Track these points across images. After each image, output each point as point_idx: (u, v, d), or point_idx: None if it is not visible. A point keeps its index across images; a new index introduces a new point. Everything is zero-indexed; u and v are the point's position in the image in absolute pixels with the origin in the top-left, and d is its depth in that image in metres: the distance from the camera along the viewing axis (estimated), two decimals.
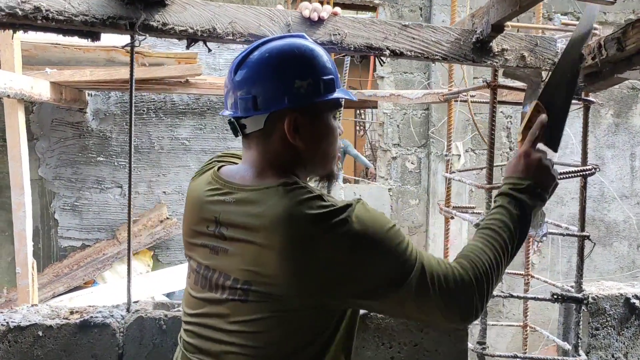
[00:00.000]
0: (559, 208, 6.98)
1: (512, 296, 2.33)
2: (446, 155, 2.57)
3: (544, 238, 1.85)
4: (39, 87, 3.97)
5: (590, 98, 2.15)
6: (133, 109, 2.05)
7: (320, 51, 1.31)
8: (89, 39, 1.80)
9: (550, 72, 1.65)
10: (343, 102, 1.41)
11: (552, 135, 1.43)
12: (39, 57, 4.80)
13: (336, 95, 1.29)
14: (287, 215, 1.15)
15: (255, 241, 1.18)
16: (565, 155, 6.97)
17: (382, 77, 6.55)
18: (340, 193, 6.62)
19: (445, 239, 2.83)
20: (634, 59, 1.80)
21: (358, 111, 11.57)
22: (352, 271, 1.14)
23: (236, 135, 1.32)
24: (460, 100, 2.66)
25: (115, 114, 5.59)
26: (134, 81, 2.00)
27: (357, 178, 7.81)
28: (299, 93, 1.24)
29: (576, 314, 2.23)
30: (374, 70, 6.92)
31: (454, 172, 2.71)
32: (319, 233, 1.14)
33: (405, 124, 6.61)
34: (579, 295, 2.18)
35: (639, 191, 7.33)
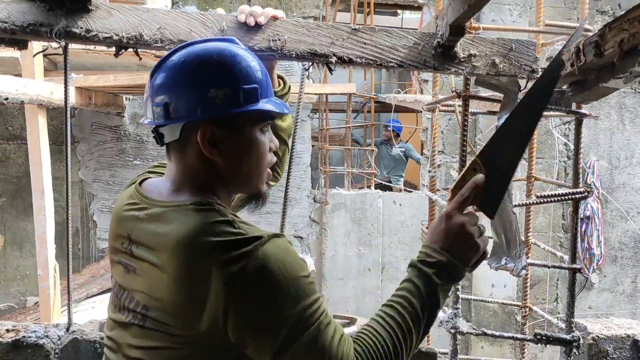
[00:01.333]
0: (623, 223, 6.42)
1: (485, 334, 2.06)
2: (430, 171, 2.32)
3: (523, 272, 1.60)
4: (60, 93, 4.01)
5: (583, 111, 1.86)
6: (69, 118, 1.96)
7: (246, 57, 1.19)
8: (16, 48, 1.73)
9: (497, 128, 1.37)
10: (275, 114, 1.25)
11: (490, 198, 1.20)
12: (74, 62, 4.89)
13: (259, 106, 1.16)
14: (188, 238, 1.04)
15: (156, 263, 1.09)
16: (632, 165, 6.41)
17: (427, 81, 6.27)
18: (379, 201, 6.40)
19: None
20: (617, 65, 1.51)
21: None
22: (240, 312, 1.02)
23: (159, 145, 1.21)
24: (446, 111, 2.40)
25: None
26: (68, 91, 1.91)
27: (397, 186, 7.54)
28: (214, 103, 1.12)
29: (566, 357, 1.93)
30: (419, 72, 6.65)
31: (439, 190, 2.46)
32: (215, 263, 1.01)
33: (450, 130, 6.30)
34: (568, 337, 1.89)
35: None
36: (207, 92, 1.12)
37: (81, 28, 1.64)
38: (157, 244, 1.10)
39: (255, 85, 1.16)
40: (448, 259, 1.16)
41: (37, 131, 3.96)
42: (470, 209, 1.21)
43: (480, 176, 1.19)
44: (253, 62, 1.19)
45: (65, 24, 1.63)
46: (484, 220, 1.23)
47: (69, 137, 1.84)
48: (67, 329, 1.94)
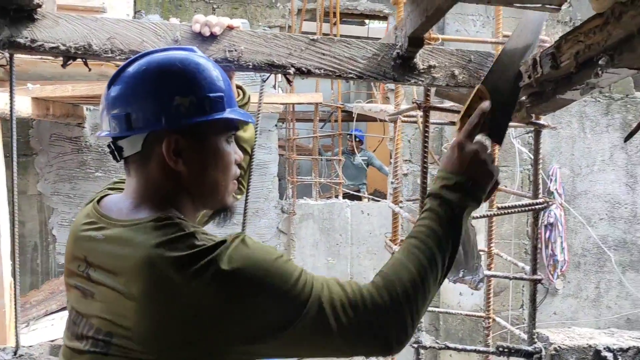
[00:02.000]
0: (586, 230, 6.52)
1: (448, 347, 2.04)
2: (392, 183, 2.30)
3: (481, 284, 1.58)
4: (18, 104, 3.88)
5: (542, 122, 1.86)
6: (15, 131, 1.87)
7: (209, 65, 1.16)
8: None
9: (496, 58, 1.43)
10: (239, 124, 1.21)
11: (496, 125, 1.22)
12: (31, 72, 4.76)
13: (226, 115, 1.12)
14: (149, 258, 1.00)
15: (116, 287, 1.03)
16: (593, 173, 6.53)
17: (393, 90, 6.28)
18: (347, 211, 6.38)
19: None
20: (573, 77, 1.51)
21: None
22: (225, 318, 0.98)
23: (116, 160, 1.16)
24: (408, 122, 2.39)
25: None
26: (14, 102, 1.83)
27: (366, 195, 7.56)
28: (179, 112, 1.08)
29: None
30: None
31: (401, 202, 2.44)
32: (183, 279, 0.97)
33: (417, 139, 6.32)
34: (529, 349, 1.88)
35: None
36: (171, 101, 1.08)
37: (26, 38, 1.57)
38: (116, 267, 1.04)
39: (221, 94, 1.13)
40: (466, 180, 1.15)
41: None
42: (478, 137, 1.20)
43: (486, 103, 1.19)
44: (216, 72, 1.16)
45: (9, 34, 1.56)
46: None
47: (14, 151, 1.77)
48: (15, 353, 1.85)
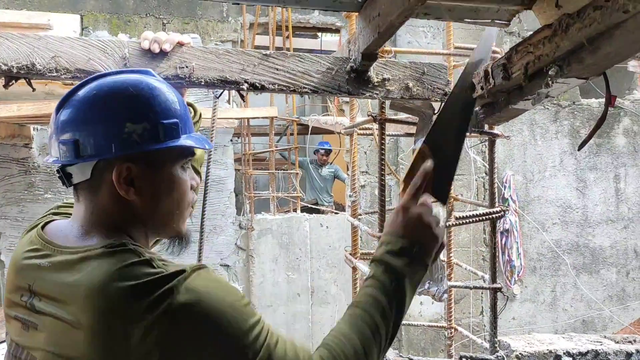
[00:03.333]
0: (540, 235, 6.67)
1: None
2: (350, 196, 2.29)
3: (445, 296, 1.57)
4: None
5: (495, 131, 1.89)
6: None
7: (165, 89, 1.11)
8: None
9: (439, 110, 1.41)
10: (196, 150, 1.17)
11: (439, 185, 1.20)
12: None
13: (181, 142, 1.08)
14: (101, 286, 0.94)
15: (64, 317, 0.97)
16: (545, 178, 6.70)
17: (347, 102, 6.32)
18: (305, 225, 6.35)
19: (353, 289, 2.54)
20: (524, 87, 1.53)
21: None
22: (174, 353, 0.93)
23: (65, 186, 1.10)
24: (364, 134, 2.40)
25: None
26: None
27: (326, 209, 7.56)
28: (131, 139, 1.03)
29: None
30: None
31: (360, 215, 2.44)
32: (136, 309, 0.92)
33: (373, 151, 6.36)
34: (492, 358, 1.89)
35: (625, 214, 7.02)
36: (122, 127, 1.03)
37: None
38: (65, 295, 0.99)
39: (176, 120, 1.08)
40: (412, 244, 1.13)
41: None
42: (424, 199, 1.18)
43: (428, 164, 1.18)
44: (172, 96, 1.11)
45: None
46: None
47: None
48: None
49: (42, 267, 1.05)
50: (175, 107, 1.10)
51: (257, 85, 1.66)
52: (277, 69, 1.68)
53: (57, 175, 1.10)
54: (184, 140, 1.09)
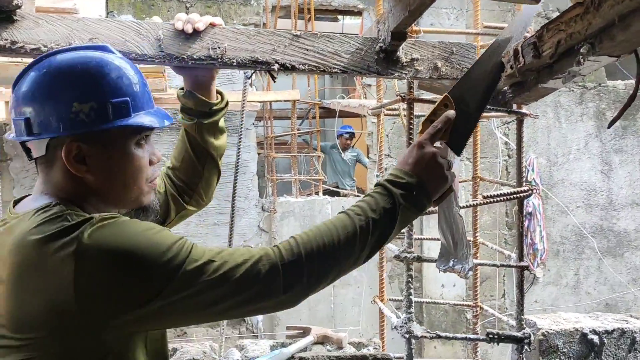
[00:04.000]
0: (563, 218, 6.64)
1: (439, 337, 2.06)
2: (377, 176, 2.32)
3: (470, 273, 1.60)
4: None
5: (524, 110, 1.89)
6: None
7: (116, 67, 1.11)
8: None
9: (469, 68, 1.44)
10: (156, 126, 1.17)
11: (458, 136, 1.24)
12: (1, 76, 4.67)
13: (131, 121, 1.08)
14: (19, 241, 0.99)
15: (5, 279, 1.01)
16: (569, 161, 6.64)
17: (370, 85, 6.32)
18: (327, 207, 6.39)
19: (379, 268, 2.57)
20: (555, 66, 1.53)
21: None
22: (87, 294, 0.95)
23: (28, 160, 1.14)
24: (391, 115, 2.42)
25: None
26: None
27: (347, 191, 7.58)
28: (78, 118, 1.05)
29: (518, 354, 1.95)
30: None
31: None
32: (43, 258, 0.96)
33: (395, 133, 6.36)
34: (519, 334, 1.91)
35: None
36: (69, 107, 1.04)
37: (6, 40, 1.55)
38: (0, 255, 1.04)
39: (126, 98, 1.09)
40: (417, 182, 1.15)
41: None
42: (438, 144, 1.22)
43: (452, 111, 1.21)
44: (126, 72, 1.12)
45: None
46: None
47: None
48: None
49: (0, 233, 1.08)
50: (127, 85, 1.10)
51: (288, 65, 1.68)
52: (307, 50, 1.70)
53: (23, 149, 1.13)
54: (135, 119, 1.09)
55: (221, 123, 1.56)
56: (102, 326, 0.98)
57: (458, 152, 1.24)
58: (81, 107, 1.04)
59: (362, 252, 1.13)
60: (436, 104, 1.25)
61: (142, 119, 1.10)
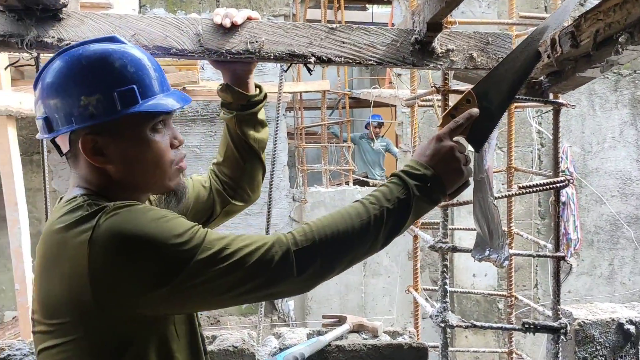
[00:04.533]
0: (598, 207, 6.53)
1: (475, 326, 2.07)
2: None
3: (506, 263, 1.61)
4: (30, 102, 3.93)
5: (560, 100, 1.88)
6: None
7: (122, 56, 1.13)
8: None
9: (497, 63, 1.44)
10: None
11: (478, 132, 1.23)
12: None
13: (139, 108, 1.10)
14: (45, 232, 1.08)
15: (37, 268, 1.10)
16: (604, 150, 6.53)
17: (400, 75, 6.29)
18: (357, 197, 6.40)
19: (413, 258, 2.59)
20: (593, 55, 1.53)
21: None
22: (105, 279, 0.99)
23: (61, 156, 1.19)
24: (425, 106, 2.42)
25: None
26: None
27: (374, 180, 7.57)
28: (87, 112, 1.08)
29: (554, 345, 1.95)
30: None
31: None
32: (63, 246, 1.02)
33: (425, 123, 6.33)
34: (555, 324, 1.91)
35: None
36: (78, 101, 1.07)
37: (53, 37, 1.60)
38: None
39: (132, 86, 1.10)
40: (432, 175, 1.16)
41: (7, 142, 3.87)
42: (457, 138, 1.21)
43: (475, 110, 1.20)
44: (132, 59, 1.13)
45: (36, 34, 1.59)
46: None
47: (45, 149, 1.80)
48: None
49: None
50: (133, 72, 1.11)
51: (324, 58, 1.71)
52: (343, 42, 1.71)
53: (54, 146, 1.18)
54: (145, 105, 1.10)
55: (261, 115, 1.59)
56: (117, 312, 1.02)
57: (477, 149, 1.24)
58: (88, 100, 1.07)
59: (376, 240, 1.14)
60: (460, 98, 1.25)
61: (152, 104, 1.12)
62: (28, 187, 4.30)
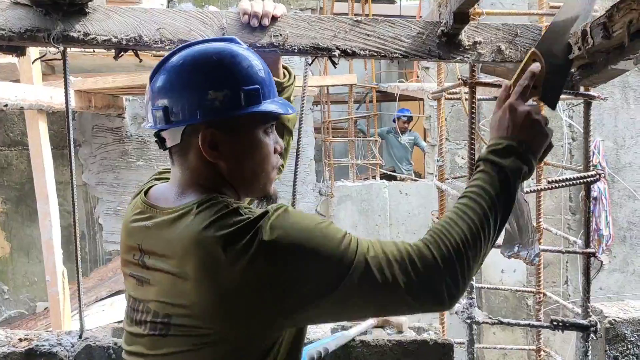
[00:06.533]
0: (631, 203, 6.38)
1: (501, 322, 2.04)
2: (438, 161, 2.29)
3: (536, 260, 1.58)
4: (60, 97, 3.99)
5: (592, 92, 1.83)
6: (71, 123, 1.93)
7: (247, 57, 1.16)
8: (14, 54, 1.71)
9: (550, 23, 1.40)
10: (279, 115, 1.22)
11: (550, 89, 1.20)
12: (71, 65, 4.84)
13: (262, 108, 1.13)
14: (196, 238, 1.04)
15: (170, 270, 1.07)
16: (638, 144, 6.37)
17: (427, 68, 6.23)
18: (385, 192, 6.37)
19: None
20: (626, 47, 1.48)
21: None
22: (275, 287, 1.01)
23: (161, 149, 1.20)
24: (452, 99, 2.38)
25: None
26: (69, 95, 1.89)
27: (405, 176, 7.52)
28: (214, 106, 1.10)
29: (583, 343, 1.91)
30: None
31: (447, 179, 2.43)
32: (230, 256, 1.00)
33: (453, 117, 6.26)
34: (584, 322, 1.87)
35: None
36: (206, 94, 1.09)
37: (79, 32, 1.62)
38: (168, 250, 1.08)
39: (257, 86, 1.13)
40: (518, 142, 1.14)
41: (38, 136, 3.94)
42: (530, 102, 1.19)
43: (536, 65, 1.17)
44: (255, 62, 1.17)
45: (63, 28, 1.61)
46: None
47: (72, 142, 1.82)
48: (80, 336, 1.93)
49: (147, 227, 1.14)
50: (257, 74, 1.15)
51: (349, 51, 1.69)
52: (368, 35, 1.70)
53: (155, 140, 1.19)
54: (265, 106, 1.13)
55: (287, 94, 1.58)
56: (285, 317, 1.04)
57: (553, 106, 1.21)
58: (216, 94, 1.09)
59: (495, 229, 1.12)
60: (523, 61, 1.21)
61: (270, 106, 1.15)
62: (59, 181, 4.38)
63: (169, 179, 1.28)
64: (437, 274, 1.04)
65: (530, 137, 1.15)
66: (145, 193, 1.24)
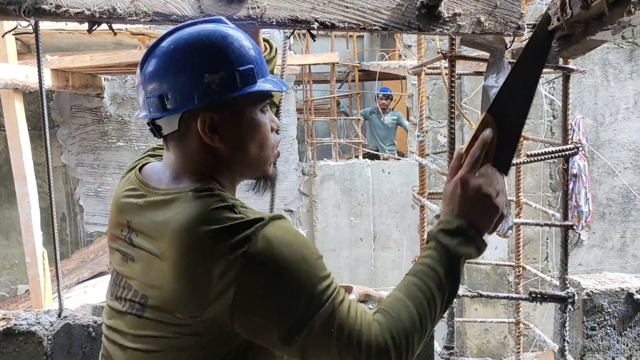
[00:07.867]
0: (610, 180, 6.46)
1: (481, 295, 2.05)
2: (418, 136, 2.29)
3: (509, 232, 1.59)
4: (36, 76, 3.91)
5: (571, 65, 1.83)
6: (45, 100, 1.89)
7: (237, 37, 1.14)
8: None
9: (507, 76, 1.33)
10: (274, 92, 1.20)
11: (502, 154, 1.14)
12: (48, 44, 4.77)
13: (258, 87, 1.11)
14: (188, 226, 1.02)
15: (155, 252, 1.06)
16: (617, 121, 6.44)
17: (410, 46, 6.20)
18: (367, 171, 6.38)
19: (420, 229, 2.57)
20: (604, 17, 1.48)
21: None
22: (246, 296, 0.99)
23: (156, 137, 1.17)
24: (432, 74, 2.37)
25: (132, 98, 5.55)
26: (42, 71, 1.85)
27: (376, 152, 7.52)
28: (210, 89, 1.07)
29: (561, 314, 1.94)
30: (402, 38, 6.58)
31: (428, 155, 2.44)
32: (217, 250, 0.99)
33: (435, 95, 6.26)
34: (562, 294, 1.89)
35: None
36: (201, 78, 1.07)
37: (51, 4, 1.58)
38: (156, 232, 1.07)
39: (251, 66, 1.11)
40: (468, 224, 1.11)
41: (15, 117, 3.87)
42: (483, 169, 1.13)
43: (487, 133, 1.12)
44: (245, 42, 1.14)
45: (34, 1, 1.56)
46: None
47: (46, 121, 1.79)
48: (59, 315, 1.91)
49: (139, 205, 1.13)
50: (250, 53, 1.12)
51: (328, 24, 1.67)
52: (347, 7, 1.68)
53: (149, 128, 1.16)
54: (261, 85, 1.12)
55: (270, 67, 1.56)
56: (243, 328, 1.01)
57: (505, 173, 1.14)
58: (212, 77, 1.07)
59: (441, 309, 1.11)
60: (475, 127, 1.15)
61: (265, 85, 1.13)
62: (37, 162, 4.31)
63: (162, 156, 1.26)
64: (386, 357, 1.02)
65: (481, 214, 1.11)
66: (140, 169, 1.23)
